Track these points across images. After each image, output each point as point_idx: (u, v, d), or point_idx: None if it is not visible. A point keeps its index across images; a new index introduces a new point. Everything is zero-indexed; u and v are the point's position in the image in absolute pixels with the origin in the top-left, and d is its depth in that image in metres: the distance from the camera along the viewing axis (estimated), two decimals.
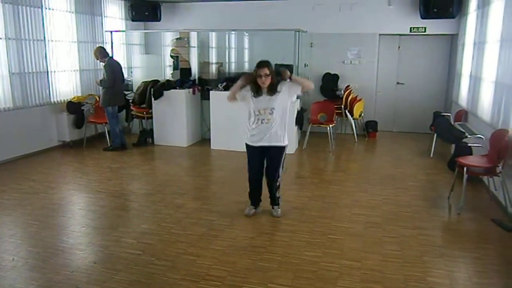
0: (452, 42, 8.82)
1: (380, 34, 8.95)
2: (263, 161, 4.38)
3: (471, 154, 5.53)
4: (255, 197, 4.59)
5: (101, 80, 7.22)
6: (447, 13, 8.05)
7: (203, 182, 6.05)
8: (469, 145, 5.65)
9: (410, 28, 8.72)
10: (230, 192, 5.38)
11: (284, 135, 4.31)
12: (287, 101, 4.26)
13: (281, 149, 4.32)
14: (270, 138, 4.23)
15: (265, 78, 4.03)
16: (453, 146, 6.48)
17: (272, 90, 4.12)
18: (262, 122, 4.17)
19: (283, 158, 4.39)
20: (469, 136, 5.80)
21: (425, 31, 8.67)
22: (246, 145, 4.37)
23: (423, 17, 8.36)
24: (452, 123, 6.85)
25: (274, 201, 4.57)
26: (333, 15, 8.96)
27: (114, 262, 3.58)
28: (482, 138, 5.55)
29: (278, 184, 4.50)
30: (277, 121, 4.20)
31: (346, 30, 8.95)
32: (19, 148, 6.83)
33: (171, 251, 3.78)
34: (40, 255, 3.69)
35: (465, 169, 4.78)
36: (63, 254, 3.71)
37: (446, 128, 6.18)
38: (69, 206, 5.01)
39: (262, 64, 4.07)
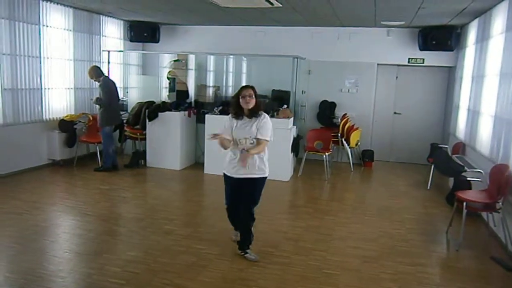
0: (450, 74, 8.83)
1: (378, 64, 8.96)
2: (241, 192, 4.03)
3: (470, 188, 5.41)
4: (236, 223, 4.25)
5: (97, 98, 7.10)
6: (446, 45, 8.09)
7: (194, 208, 5.87)
8: (468, 179, 5.53)
9: (408, 59, 8.74)
10: (222, 219, 5.14)
11: (265, 165, 4.02)
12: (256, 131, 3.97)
13: (262, 180, 4.04)
14: (250, 170, 3.93)
15: (249, 99, 3.86)
16: (451, 179, 6.37)
17: (254, 114, 3.92)
18: (242, 152, 3.88)
19: (262, 189, 4.07)
20: (468, 170, 5.69)
21: (423, 63, 8.69)
22: (224, 174, 4.10)
23: (421, 49, 8.39)
24: (450, 155, 6.76)
25: (247, 240, 4.12)
26: (331, 43, 8.99)
27: None
28: (481, 173, 5.45)
29: (253, 218, 4.14)
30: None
31: (344, 59, 8.96)
32: (6, 165, 6.62)
33: (156, 281, 3.58)
34: (17, 282, 3.47)
35: (464, 204, 4.65)
36: (42, 281, 3.50)
37: (444, 161, 6.09)
38: (53, 229, 4.80)
39: (247, 86, 3.98)
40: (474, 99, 6.73)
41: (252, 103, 3.89)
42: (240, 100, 3.89)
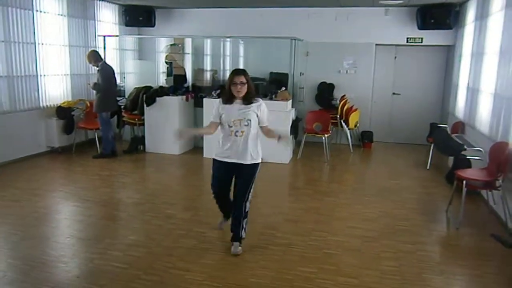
0: (449, 53, 8.76)
1: (376, 44, 8.87)
2: (231, 179, 3.87)
3: (470, 167, 5.41)
4: (225, 210, 4.17)
5: (94, 84, 7.03)
6: (444, 24, 8.01)
7: (194, 192, 5.87)
8: (468, 157, 5.53)
9: (407, 38, 8.65)
10: None
11: (258, 151, 3.82)
12: (256, 117, 3.77)
13: (254, 167, 3.79)
14: (243, 155, 3.72)
15: (241, 86, 3.62)
16: (451, 158, 6.37)
17: (248, 99, 3.70)
18: (236, 136, 3.69)
19: (254, 178, 3.83)
20: (467, 148, 5.68)
21: (421, 42, 8.61)
22: (213, 160, 3.89)
23: (420, 28, 8.31)
24: (450, 134, 6.74)
25: (237, 234, 3.85)
26: (329, 24, 8.88)
27: (99, 276, 3.39)
28: (481, 151, 5.44)
29: (246, 210, 3.84)
30: (252, 135, 3.73)
31: (342, 39, 8.87)
32: (5, 154, 6.58)
33: (159, 264, 3.60)
34: (20, 268, 3.49)
35: (464, 182, 4.66)
36: (45, 267, 3.51)
37: (444, 140, 6.07)
38: (53, 215, 4.81)
39: (239, 71, 3.73)
40: (473, 78, 6.68)
41: (243, 90, 3.66)
42: (231, 87, 3.67)
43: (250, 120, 3.68)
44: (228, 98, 3.74)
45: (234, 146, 3.72)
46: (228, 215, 4.10)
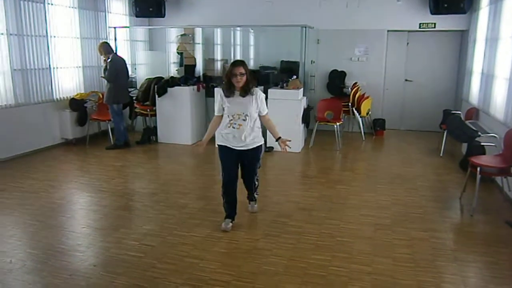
0: (463, 38, 8.62)
1: (388, 30, 8.76)
2: (238, 165, 4.15)
3: (484, 153, 5.35)
4: (232, 209, 4.20)
5: (104, 73, 7.09)
6: (458, 8, 7.84)
7: (207, 181, 5.91)
8: (482, 144, 5.46)
9: (420, 24, 8.52)
10: None
11: (258, 135, 4.08)
12: (256, 109, 4.00)
13: (257, 149, 4.11)
14: (245, 142, 3.99)
15: (240, 77, 3.84)
16: (464, 145, 6.30)
17: (246, 91, 3.92)
18: (234, 128, 3.96)
19: (260, 157, 4.23)
20: (482, 135, 5.62)
21: (434, 27, 8.47)
22: (219, 146, 4.15)
23: (432, 13, 8.15)
24: (463, 121, 6.66)
25: (251, 196, 4.52)
26: (340, 11, 8.78)
27: (115, 265, 3.46)
28: (496, 137, 5.37)
29: (256, 185, 4.39)
30: (250, 126, 3.97)
31: (353, 26, 8.77)
32: (20, 146, 6.72)
33: (173, 253, 3.65)
34: (39, 257, 3.57)
35: (478, 169, 4.61)
36: (62, 256, 3.59)
37: (458, 127, 6.00)
38: (69, 206, 4.89)
39: (237, 63, 3.93)
40: (488, 63, 6.58)
41: (242, 81, 3.87)
42: (232, 79, 3.88)
43: (247, 115, 3.93)
44: (228, 89, 3.95)
45: (234, 136, 3.99)
46: (233, 216, 4.24)
